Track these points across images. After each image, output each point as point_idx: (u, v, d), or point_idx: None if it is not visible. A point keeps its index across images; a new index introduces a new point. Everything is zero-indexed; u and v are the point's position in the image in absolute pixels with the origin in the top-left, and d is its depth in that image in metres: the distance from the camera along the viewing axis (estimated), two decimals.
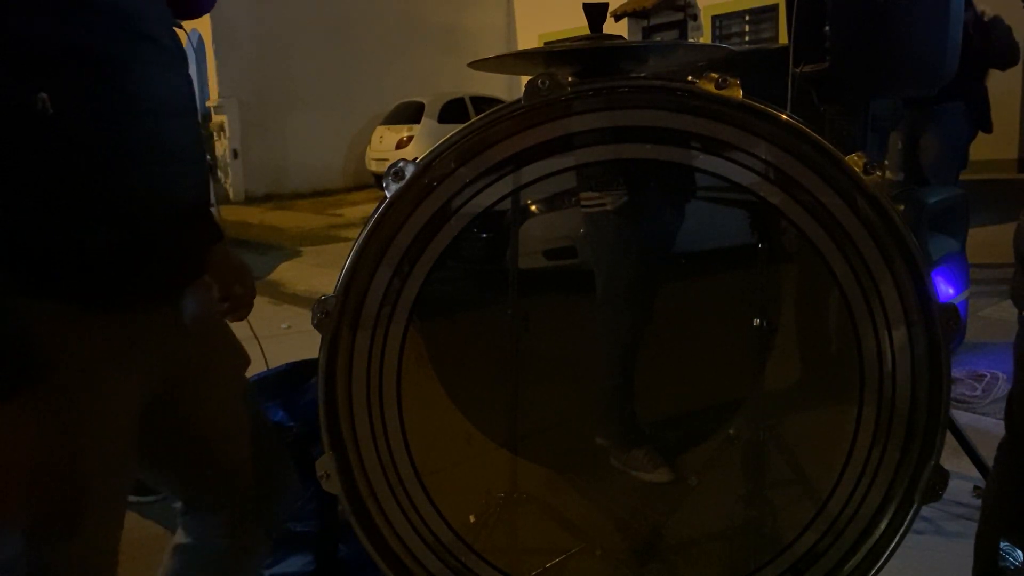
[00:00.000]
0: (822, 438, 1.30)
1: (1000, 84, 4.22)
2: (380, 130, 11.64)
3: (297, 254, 6.52)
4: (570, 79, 1.05)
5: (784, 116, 1.03)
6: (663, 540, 1.38)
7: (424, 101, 11.25)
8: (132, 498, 2.36)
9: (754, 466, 1.38)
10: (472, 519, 1.26)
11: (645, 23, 11.82)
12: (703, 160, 1.11)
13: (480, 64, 1.17)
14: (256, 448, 1.10)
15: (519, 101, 1.00)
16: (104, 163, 0.84)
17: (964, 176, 4.24)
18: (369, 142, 11.89)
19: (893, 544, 1.09)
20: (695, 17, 11.21)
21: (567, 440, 1.55)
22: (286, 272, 5.93)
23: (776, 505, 1.30)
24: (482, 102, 10.96)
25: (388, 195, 0.99)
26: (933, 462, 1.05)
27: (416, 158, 1.00)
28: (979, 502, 1.65)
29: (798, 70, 2.11)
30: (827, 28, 2.06)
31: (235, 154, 10.84)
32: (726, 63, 1.21)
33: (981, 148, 4.43)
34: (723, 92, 1.00)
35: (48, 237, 0.81)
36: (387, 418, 1.10)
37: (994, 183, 6.78)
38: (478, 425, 1.40)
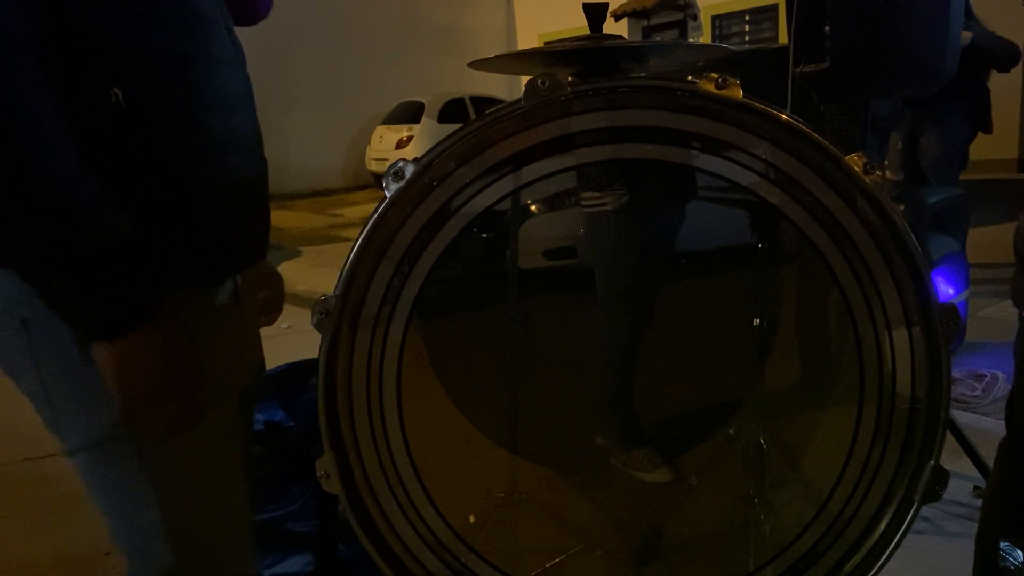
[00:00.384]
0: (822, 438, 1.30)
1: (1000, 84, 4.22)
2: (380, 130, 11.64)
3: (297, 254, 6.52)
4: (570, 79, 1.05)
5: (784, 116, 1.03)
6: (663, 540, 1.38)
7: (424, 101, 11.25)
8: None
9: (754, 466, 1.39)
10: (472, 519, 1.26)
11: (645, 23, 11.83)
12: (703, 160, 1.11)
13: (480, 64, 1.17)
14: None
15: (519, 101, 1.00)
16: (169, 153, 0.91)
17: (964, 176, 4.24)
18: (369, 142, 11.89)
19: (893, 544, 1.09)
20: (695, 17, 11.22)
21: (567, 440, 1.55)
22: (286, 272, 5.90)
23: (776, 505, 1.30)
24: (482, 102, 10.97)
25: (388, 195, 0.99)
26: (933, 462, 1.05)
27: (416, 158, 1.00)
28: (979, 502, 1.65)
29: (798, 70, 2.11)
30: (827, 28, 2.06)
31: None
32: (726, 63, 1.21)
33: (981, 148, 4.43)
34: (723, 92, 1.00)
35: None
36: (387, 418, 1.10)
37: (994, 183, 6.78)
38: (478, 425, 1.40)
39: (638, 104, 1.07)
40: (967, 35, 3.35)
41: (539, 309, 1.46)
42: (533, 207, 1.48)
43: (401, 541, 1.11)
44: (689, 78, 1.03)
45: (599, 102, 1.07)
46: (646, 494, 1.56)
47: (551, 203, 1.59)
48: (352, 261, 1.01)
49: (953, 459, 2.06)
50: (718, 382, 1.50)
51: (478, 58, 1.16)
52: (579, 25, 1.10)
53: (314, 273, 5.62)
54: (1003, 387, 2.77)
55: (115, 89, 0.85)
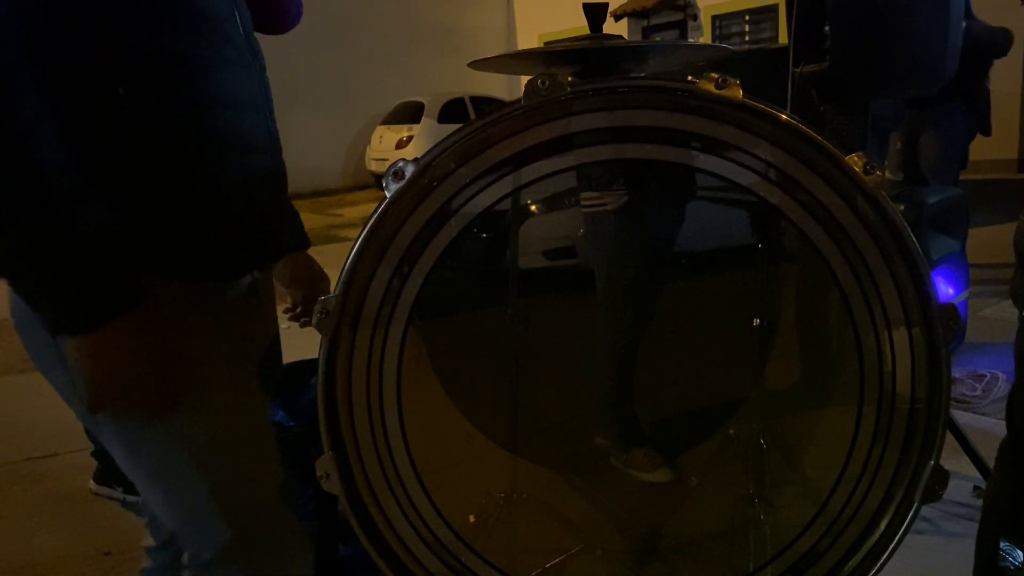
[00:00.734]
0: (822, 438, 1.30)
1: (1000, 84, 4.22)
2: (380, 130, 11.64)
3: None
4: (570, 79, 1.05)
5: (784, 116, 1.03)
6: (663, 540, 1.38)
7: (424, 101, 11.25)
8: (129, 498, 2.38)
9: (754, 466, 1.39)
10: (472, 519, 1.26)
11: (645, 23, 11.83)
12: (703, 160, 1.10)
13: (480, 64, 1.17)
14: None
15: (519, 101, 1.00)
16: (174, 151, 0.92)
17: (964, 176, 4.24)
18: (369, 142, 11.89)
19: (893, 544, 1.09)
20: (695, 17, 11.22)
21: (567, 440, 1.55)
22: None
23: (776, 505, 1.30)
24: (482, 102, 10.97)
25: (388, 195, 0.99)
26: (933, 462, 1.05)
27: (416, 158, 1.00)
28: (979, 502, 1.65)
29: (798, 70, 2.11)
30: (827, 28, 2.06)
31: None
32: (726, 63, 1.21)
33: (981, 148, 4.43)
34: (723, 92, 1.00)
35: (127, 219, 0.89)
36: (387, 418, 1.10)
37: (994, 183, 6.78)
38: (478, 425, 1.40)
39: (638, 104, 1.07)
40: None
41: (539, 309, 1.46)
42: (533, 207, 1.48)
43: (401, 541, 1.11)
44: (689, 78, 1.02)
45: (599, 102, 1.07)
46: (646, 494, 1.56)
47: (551, 203, 1.59)
48: (352, 261, 1.01)
49: (953, 459, 2.06)
50: (718, 382, 1.50)
51: (478, 58, 1.16)
52: (579, 25, 1.10)
53: None
54: (1003, 387, 2.77)
55: (121, 88, 0.87)
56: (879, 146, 3.54)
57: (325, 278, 1.30)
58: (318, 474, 1.03)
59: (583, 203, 1.69)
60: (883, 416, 1.10)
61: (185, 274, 0.95)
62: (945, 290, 3.03)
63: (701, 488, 1.46)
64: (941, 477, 1.06)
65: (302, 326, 1.25)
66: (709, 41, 11.06)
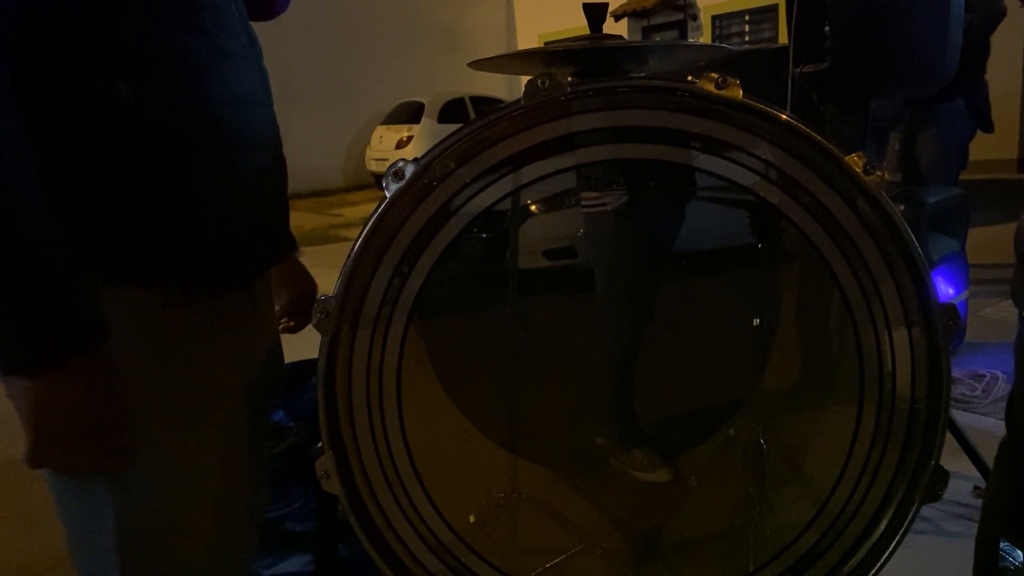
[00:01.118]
0: (822, 438, 1.30)
1: (1000, 84, 4.23)
2: (380, 130, 11.64)
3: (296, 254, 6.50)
4: (570, 79, 1.05)
5: (784, 116, 1.03)
6: (663, 540, 1.38)
7: (424, 101, 11.26)
8: None
9: (754, 466, 1.38)
10: (472, 519, 1.26)
11: (645, 23, 11.83)
12: (703, 160, 1.10)
13: (480, 64, 1.17)
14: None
15: (519, 101, 1.00)
16: (182, 151, 0.86)
17: (964, 176, 4.24)
18: (369, 142, 11.90)
19: (893, 544, 1.09)
20: (695, 17, 11.22)
21: (567, 440, 1.55)
22: None
23: (776, 505, 1.30)
24: (482, 102, 10.97)
25: (388, 195, 0.99)
26: (933, 462, 1.05)
27: (416, 158, 1.00)
28: (979, 502, 1.65)
29: (798, 70, 2.11)
30: (827, 28, 2.06)
31: None
32: (726, 63, 1.21)
33: (981, 148, 4.43)
34: (723, 92, 1.00)
35: (129, 223, 0.82)
36: (387, 418, 1.10)
37: (994, 183, 6.79)
38: (478, 425, 1.40)
39: (638, 104, 1.07)
40: None
41: (539, 309, 1.46)
42: (533, 207, 1.48)
43: (401, 541, 1.11)
44: (689, 78, 1.02)
45: (599, 102, 1.07)
46: (646, 494, 1.56)
47: (551, 203, 1.59)
48: (352, 261, 1.01)
49: (953, 459, 2.06)
50: (718, 382, 1.50)
51: (478, 58, 1.16)
52: (579, 25, 1.10)
53: (314, 273, 5.61)
54: (1003, 387, 2.77)
55: (121, 85, 0.81)
56: (878, 146, 3.55)
57: (312, 280, 1.24)
58: (318, 474, 1.03)
59: (583, 203, 1.69)
60: (883, 416, 1.10)
61: (187, 287, 0.87)
62: (945, 290, 3.03)
63: (701, 488, 1.45)
64: (941, 477, 1.06)
65: (292, 331, 1.19)
66: (709, 41, 11.05)
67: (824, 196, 1.06)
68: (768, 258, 1.36)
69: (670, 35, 11.75)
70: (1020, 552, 1.22)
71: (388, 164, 1.01)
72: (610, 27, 1.31)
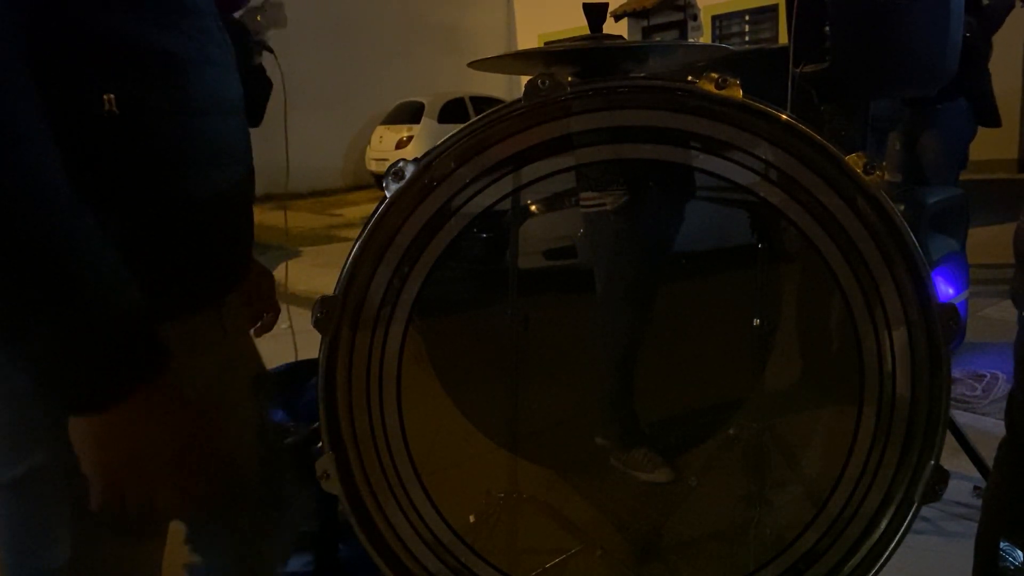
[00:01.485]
0: (822, 438, 1.30)
1: (1000, 84, 4.21)
2: (380, 130, 11.64)
3: (297, 254, 6.52)
4: (570, 79, 1.05)
5: (784, 116, 1.03)
6: (663, 540, 1.38)
7: (424, 101, 11.25)
8: None
9: (754, 466, 1.38)
10: (472, 519, 1.26)
11: (645, 23, 11.83)
12: (703, 160, 1.11)
13: (480, 64, 1.17)
14: (266, 460, 1.08)
15: (519, 101, 1.00)
16: (166, 162, 0.82)
17: (964, 176, 4.24)
18: (369, 142, 11.89)
19: (893, 544, 1.09)
20: (695, 17, 11.19)
21: (567, 440, 1.55)
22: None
23: (776, 505, 1.30)
24: (482, 102, 10.96)
25: (388, 195, 0.99)
26: (933, 462, 1.05)
27: (416, 158, 1.00)
28: (979, 502, 1.65)
29: (798, 70, 2.11)
30: (827, 28, 2.06)
31: None
32: (726, 63, 1.21)
33: (981, 148, 4.43)
34: (723, 92, 1.00)
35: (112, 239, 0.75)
36: (387, 418, 1.10)
37: (994, 183, 6.78)
38: (478, 425, 1.40)
39: (638, 104, 1.07)
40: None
41: (539, 309, 1.46)
42: (533, 207, 1.48)
43: (401, 541, 1.11)
44: (689, 78, 1.02)
45: (599, 102, 1.07)
46: (646, 494, 1.56)
47: (551, 203, 1.59)
48: (352, 261, 1.01)
49: (953, 459, 2.06)
50: (718, 382, 1.50)
51: (478, 58, 1.16)
52: (579, 25, 1.10)
53: (314, 273, 5.61)
54: (1003, 387, 2.77)
55: (107, 94, 0.75)
56: (878, 146, 3.54)
57: (270, 275, 1.17)
58: (318, 474, 1.03)
59: (582, 203, 1.69)
60: (883, 416, 1.10)
61: (161, 307, 0.78)
62: (945, 290, 3.03)
63: (701, 488, 1.46)
64: (941, 477, 1.06)
65: (256, 333, 1.14)
66: (709, 41, 11.05)
67: (824, 196, 1.06)
68: (768, 258, 1.36)
69: (670, 35, 11.74)
70: (1020, 552, 1.22)
71: (388, 164, 1.01)
72: (610, 27, 1.31)
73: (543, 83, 0.98)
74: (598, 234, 1.76)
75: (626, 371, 1.73)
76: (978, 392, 2.78)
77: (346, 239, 7.18)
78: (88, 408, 0.69)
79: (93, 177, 0.74)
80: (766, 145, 1.07)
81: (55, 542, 0.80)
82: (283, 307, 1.23)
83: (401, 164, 0.99)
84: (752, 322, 1.37)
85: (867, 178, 1.00)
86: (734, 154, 1.09)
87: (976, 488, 2.09)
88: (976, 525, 1.35)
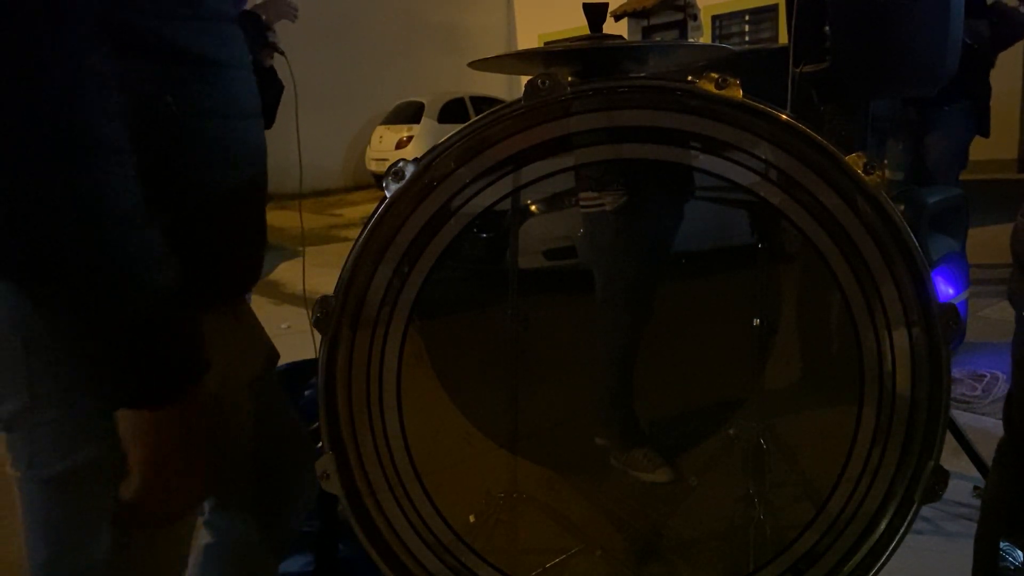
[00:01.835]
0: (822, 438, 1.30)
1: (1000, 84, 4.22)
2: (380, 130, 11.65)
3: (297, 254, 6.52)
4: (570, 79, 1.05)
5: (784, 116, 1.03)
6: (663, 540, 1.38)
7: (424, 101, 11.26)
8: None
9: (754, 466, 1.38)
10: (472, 519, 1.26)
11: (645, 23, 11.83)
12: (703, 160, 1.10)
13: (480, 64, 1.17)
14: (284, 443, 1.14)
15: (519, 101, 1.00)
16: (194, 163, 0.85)
17: (964, 176, 4.24)
18: (369, 142, 11.90)
19: (893, 544, 1.09)
20: (695, 17, 11.21)
21: (567, 440, 1.55)
22: (286, 272, 5.93)
23: (776, 505, 1.30)
24: (482, 102, 10.97)
25: (388, 195, 0.99)
26: (933, 462, 1.05)
27: (416, 158, 0.99)
28: (979, 502, 1.65)
29: (798, 70, 2.11)
30: (827, 28, 2.06)
31: None
32: (726, 63, 1.21)
33: (981, 148, 4.43)
34: (723, 92, 1.00)
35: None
36: (387, 418, 1.10)
37: (994, 183, 6.79)
38: (478, 425, 1.40)
39: (638, 104, 1.07)
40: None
41: (539, 309, 1.46)
42: (533, 207, 1.48)
43: (401, 541, 1.11)
44: (689, 78, 1.02)
45: (599, 102, 1.07)
46: (646, 494, 1.56)
47: (551, 203, 1.59)
48: (352, 261, 1.01)
49: (953, 459, 2.06)
50: (718, 382, 1.50)
51: (478, 58, 1.16)
52: (579, 25, 1.09)
53: (314, 273, 5.61)
54: (1003, 387, 2.77)
55: (167, 96, 0.79)
56: (878, 146, 3.55)
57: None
58: (318, 474, 1.03)
59: (581, 203, 1.69)
60: (883, 416, 1.10)
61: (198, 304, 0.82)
62: (945, 290, 3.03)
63: (701, 488, 1.45)
64: (941, 477, 1.06)
65: None
66: (709, 41, 11.05)
67: (824, 196, 1.06)
68: (768, 258, 1.36)
69: (670, 35, 11.75)
70: (1020, 552, 1.23)
71: (388, 164, 1.01)
72: (610, 27, 1.31)
73: (543, 83, 0.98)
74: (597, 234, 1.75)
75: (626, 371, 1.73)
76: (978, 392, 2.78)
77: (346, 239, 7.18)
78: (142, 403, 0.73)
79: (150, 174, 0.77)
80: (766, 145, 1.07)
81: (96, 536, 0.84)
82: (283, 307, 1.26)
83: (401, 164, 0.99)
84: (752, 322, 1.37)
85: (867, 178, 1.00)
86: (734, 154, 1.09)
87: (976, 488, 2.09)
88: (976, 525, 1.35)
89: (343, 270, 1.01)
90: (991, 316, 3.57)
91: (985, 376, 2.88)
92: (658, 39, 11.10)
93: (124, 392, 0.73)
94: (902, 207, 2.84)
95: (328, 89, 11.49)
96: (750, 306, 1.38)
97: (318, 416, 1.03)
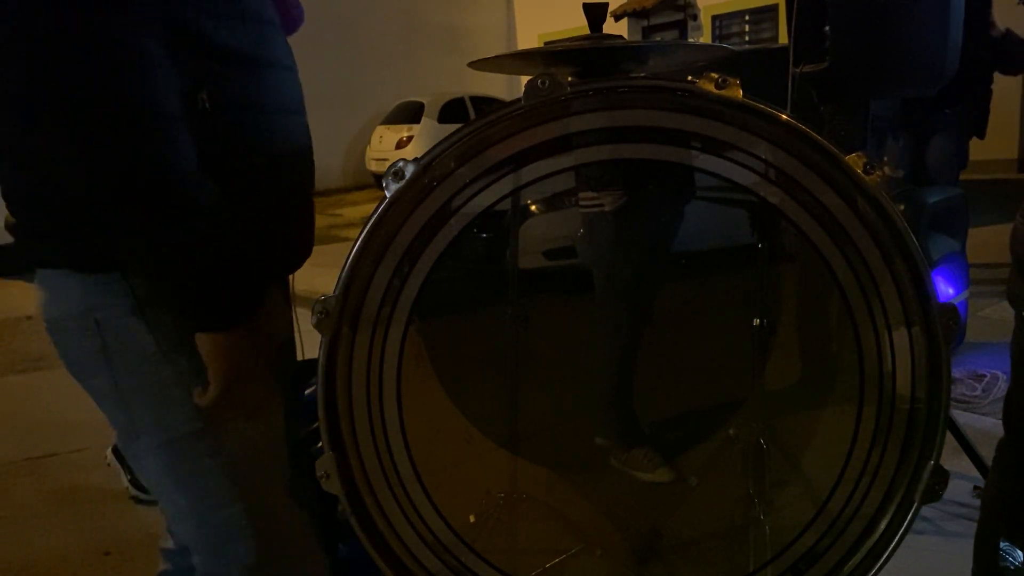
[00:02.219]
0: (822, 438, 1.30)
1: (1000, 84, 4.22)
2: (380, 130, 11.64)
3: None
4: (570, 79, 1.05)
5: (784, 116, 1.03)
6: (663, 540, 1.38)
7: (424, 101, 11.25)
8: (143, 496, 2.37)
9: (754, 466, 1.38)
10: (472, 519, 1.26)
11: (645, 23, 11.83)
12: (703, 160, 1.10)
13: (480, 64, 1.17)
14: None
15: (519, 101, 1.00)
16: (240, 156, 0.95)
17: (964, 176, 4.24)
18: (369, 142, 11.89)
19: (893, 544, 1.09)
20: (695, 17, 11.23)
21: (567, 440, 1.55)
22: None
23: (776, 505, 1.30)
24: (482, 102, 10.97)
25: (388, 195, 0.99)
26: (933, 462, 1.05)
27: (416, 158, 1.00)
28: (979, 502, 1.65)
29: (798, 70, 2.11)
30: (827, 28, 2.06)
31: None
32: (726, 63, 1.21)
33: (981, 148, 4.43)
34: (723, 92, 1.00)
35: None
36: (387, 418, 1.10)
37: (994, 183, 6.79)
38: (478, 425, 1.40)
39: (638, 104, 1.07)
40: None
41: (539, 309, 1.46)
42: (533, 207, 1.48)
43: (401, 541, 1.11)
44: (689, 78, 1.02)
45: (599, 102, 1.07)
46: (646, 494, 1.56)
47: (551, 203, 1.59)
48: (352, 261, 1.01)
49: (953, 459, 2.06)
50: (718, 382, 1.50)
51: (478, 58, 1.16)
52: (579, 25, 1.09)
53: (314, 273, 5.61)
54: (1003, 387, 2.77)
55: (202, 93, 0.88)
56: (877, 147, 3.54)
57: None
58: (318, 474, 1.03)
59: (581, 204, 1.69)
60: (883, 416, 1.10)
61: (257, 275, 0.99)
62: (945, 290, 3.03)
63: (701, 488, 1.46)
64: (941, 477, 1.06)
65: None
66: (709, 41, 11.06)
67: (824, 196, 1.06)
68: (768, 258, 1.36)
69: (670, 35, 11.75)
70: (1020, 552, 1.23)
71: (388, 164, 1.01)
72: (610, 27, 1.31)
73: (543, 83, 0.98)
74: (596, 235, 1.75)
75: (626, 371, 1.73)
76: (978, 392, 2.78)
77: (346, 239, 7.18)
78: (218, 327, 0.92)
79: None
80: (766, 145, 1.07)
81: (225, 496, 1.01)
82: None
83: (401, 164, 0.99)
84: (752, 322, 1.37)
85: (867, 178, 1.00)
86: (734, 154, 1.09)
87: (976, 488, 2.09)
88: (976, 525, 1.35)
89: (343, 270, 1.01)
90: (991, 316, 3.57)
91: (985, 376, 2.88)
92: (658, 39, 11.10)
93: (206, 317, 0.91)
94: (902, 207, 2.83)
95: (328, 89, 11.47)
96: (750, 306, 1.38)
97: (318, 416, 1.03)
